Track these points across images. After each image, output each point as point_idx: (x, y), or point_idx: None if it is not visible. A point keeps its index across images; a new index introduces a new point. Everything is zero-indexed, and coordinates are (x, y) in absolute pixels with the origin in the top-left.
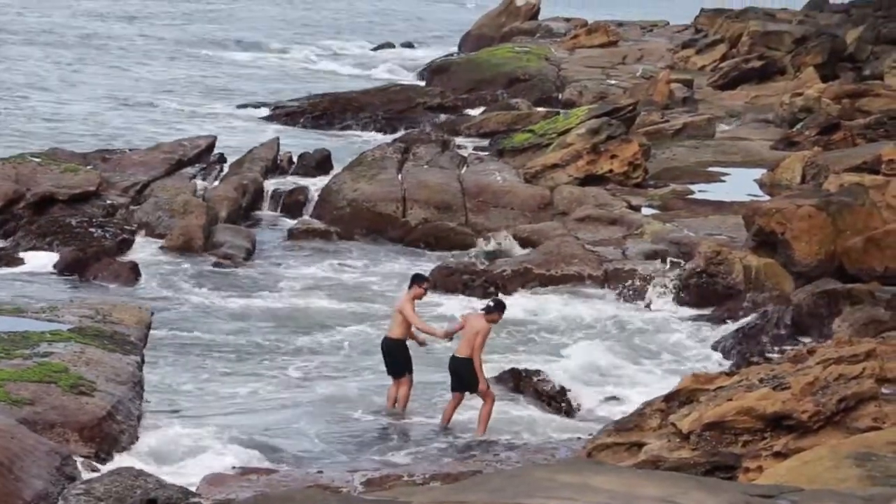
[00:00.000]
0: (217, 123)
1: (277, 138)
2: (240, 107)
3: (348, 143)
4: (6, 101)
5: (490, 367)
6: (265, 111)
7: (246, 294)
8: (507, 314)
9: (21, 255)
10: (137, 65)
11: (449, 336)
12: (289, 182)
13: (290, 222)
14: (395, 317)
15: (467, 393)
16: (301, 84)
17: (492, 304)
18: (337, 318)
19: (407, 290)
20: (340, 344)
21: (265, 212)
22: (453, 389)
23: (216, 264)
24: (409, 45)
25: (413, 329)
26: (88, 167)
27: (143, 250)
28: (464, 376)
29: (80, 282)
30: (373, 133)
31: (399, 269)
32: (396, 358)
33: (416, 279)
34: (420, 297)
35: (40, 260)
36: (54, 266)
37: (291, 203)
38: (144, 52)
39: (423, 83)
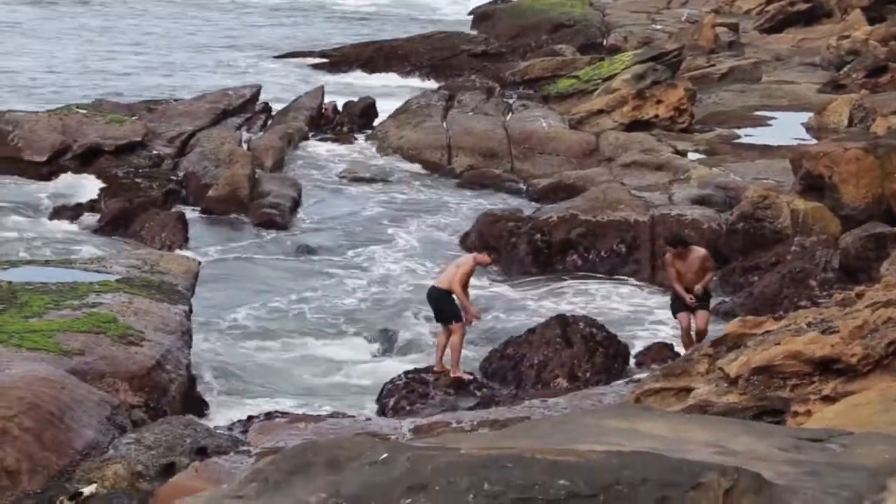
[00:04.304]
0: (258, 73)
1: (322, 87)
2: (278, 57)
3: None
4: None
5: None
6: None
7: (293, 243)
8: None
9: (70, 206)
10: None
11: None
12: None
13: (337, 169)
14: (450, 269)
15: None
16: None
17: None
18: (384, 264)
19: (474, 254)
20: (391, 292)
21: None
22: None
23: (259, 224)
24: None
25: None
26: (134, 118)
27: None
28: None
29: (126, 233)
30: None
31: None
32: (442, 306)
33: (487, 248)
34: (483, 265)
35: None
36: (100, 218)
37: None
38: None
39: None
